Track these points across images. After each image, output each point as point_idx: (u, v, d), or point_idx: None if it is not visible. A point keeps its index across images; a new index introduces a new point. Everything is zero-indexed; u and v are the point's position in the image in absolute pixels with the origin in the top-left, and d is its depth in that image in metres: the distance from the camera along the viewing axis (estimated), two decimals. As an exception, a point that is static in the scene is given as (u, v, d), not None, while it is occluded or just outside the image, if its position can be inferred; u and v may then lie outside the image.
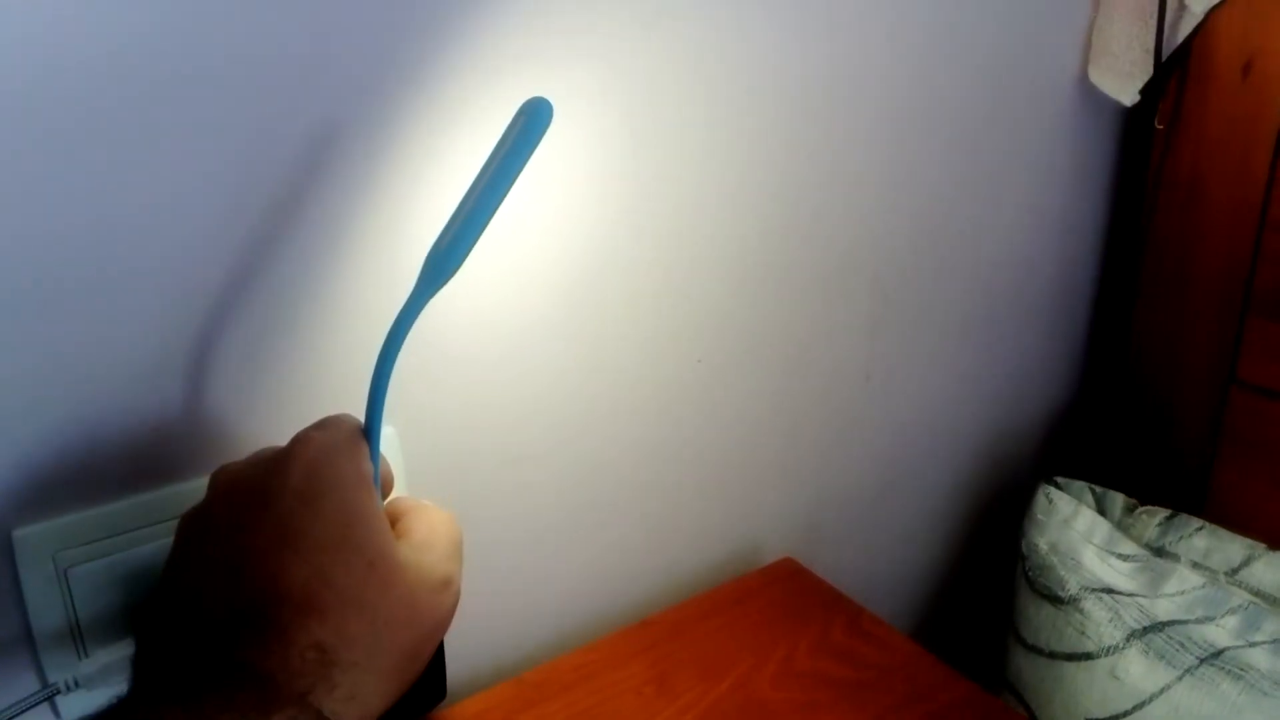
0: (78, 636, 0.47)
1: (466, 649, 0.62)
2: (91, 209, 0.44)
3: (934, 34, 0.72)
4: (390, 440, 0.55)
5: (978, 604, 1.01)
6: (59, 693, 0.46)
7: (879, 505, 0.87)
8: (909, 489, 0.90)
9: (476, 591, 0.61)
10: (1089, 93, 0.85)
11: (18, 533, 0.45)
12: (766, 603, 0.71)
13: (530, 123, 0.42)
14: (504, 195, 0.42)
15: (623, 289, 0.63)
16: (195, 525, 0.41)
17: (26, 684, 0.47)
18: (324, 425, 0.43)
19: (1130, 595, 0.78)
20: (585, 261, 0.61)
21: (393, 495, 0.47)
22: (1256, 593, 0.76)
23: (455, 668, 0.62)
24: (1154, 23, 0.80)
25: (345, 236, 0.51)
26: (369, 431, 0.44)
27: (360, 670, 0.37)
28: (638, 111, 0.60)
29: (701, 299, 0.67)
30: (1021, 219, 0.86)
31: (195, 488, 0.49)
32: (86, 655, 0.48)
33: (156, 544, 0.48)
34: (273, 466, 0.40)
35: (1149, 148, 0.88)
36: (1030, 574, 0.84)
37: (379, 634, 0.38)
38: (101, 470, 0.47)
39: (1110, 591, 0.78)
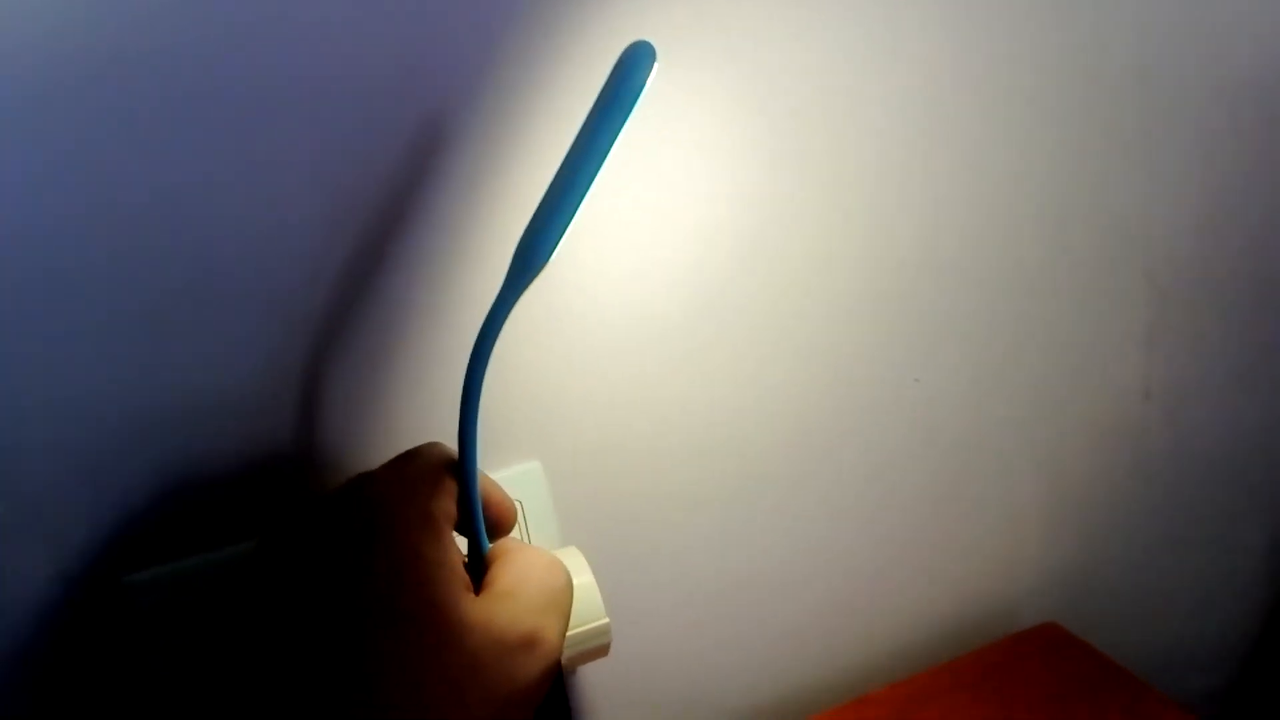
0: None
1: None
2: (191, 233, 0.41)
3: None
4: (532, 476, 0.49)
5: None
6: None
7: (1169, 558, 0.72)
8: (1210, 539, 0.73)
9: (649, 661, 0.55)
10: None
11: (127, 579, 0.42)
12: (1021, 678, 0.58)
13: (627, 73, 0.35)
14: (599, 162, 0.35)
15: (819, 294, 0.54)
16: (255, 572, 0.36)
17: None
18: (399, 460, 0.38)
19: None
20: (768, 259, 0.52)
21: (507, 538, 0.40)
22: None
23: (625, 748, 0.54)
24: None
25: (455, 248, 0.45)
26: (463, 457, 0.37)
27: None
28: (822, 63, 0.50)
29: (918, 304, 0.56)
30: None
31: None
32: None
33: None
34: (329, 511, 0.35)
35: None
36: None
37: (427, 706, 0.31)
38: (212, 511, 0.44)
39: None
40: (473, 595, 0.34)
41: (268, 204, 0.41)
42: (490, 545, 0.39)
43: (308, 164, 0.42)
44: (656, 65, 0.35)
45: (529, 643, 0.34)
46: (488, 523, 0.40)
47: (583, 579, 0.46)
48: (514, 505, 0.42)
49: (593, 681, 0.53)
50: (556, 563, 0.38)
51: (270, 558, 0.35)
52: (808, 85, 0.50)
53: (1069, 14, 0.55)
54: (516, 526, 0.49)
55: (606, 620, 0.45)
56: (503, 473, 0.48)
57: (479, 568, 0.38)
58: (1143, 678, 0.57)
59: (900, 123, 0.53)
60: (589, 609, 0.45)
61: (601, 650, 0.46)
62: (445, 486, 0.36)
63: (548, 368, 0.48)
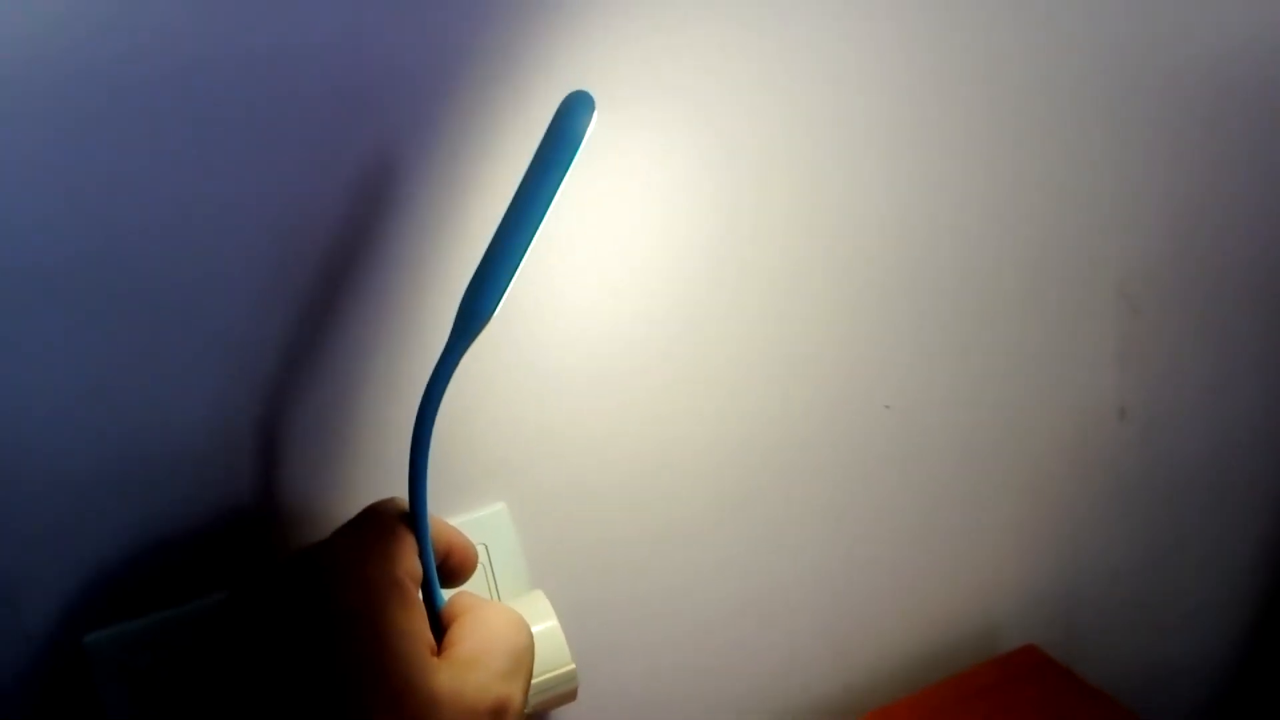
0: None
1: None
2: (131, 280, 0.40)
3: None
4: (498, 519, 0.48)
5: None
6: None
7: (1153, 577, 0.71)
8: (1195, 556, 0.72)
9: (629, 698, 0.54)
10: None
11: (89, 639, 0.42)
12: (1000, 704, 0.57)
13: (565, 124, 0.34)
14: (539, 217, 0.35)
15: (786, 323, 0.53)
16: (221, 645, 0.36)
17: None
18: (354, 524, 0.37)
19: None
20: (733, 291, 0.51)
21: (463, 590, 0.40)
22: None
23: (605, 789, 0.54)
24: None
25: (409, 288, 0.45)
26: (414, 513, 0.37)
27: None
28: (780, 86, 0.50)
29: (887, 329, 0.56)
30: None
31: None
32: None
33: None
34: (293, 580, 0.35)
35: None
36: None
37: None
38: (172, 567, 0.43)
39: None
40: (439, 663, 0.34)
41: (211, 248, 0.40)
42: (447, 599, 0.38)
43: (254, 205, 0.41)
44: (595, 114, 0.35)
45: (497, 711, 0.34)
46: (450, 570, 0.40)
47: (548, 624, 0.45)
48: (475, 551, 0.41)
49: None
50: (518, 621, 0.37)
51: (235, 632, 0.35)
52: (767, 111, 0.50)
53: (1032, 35, 0.55)
54: (483, 571, 0.48)
55: (572, 666, 0.45)
56: (468, 516, 0.47)
57: (436, 623, 0.38)
58: (1126, 699, 0.56)
59: (863, 147, 0.52)
60: (555, 655, 0.45)
61: (569, 696, 0.45)
62: (407, 545, 0.36)
63: (512, 408, 0.48)
